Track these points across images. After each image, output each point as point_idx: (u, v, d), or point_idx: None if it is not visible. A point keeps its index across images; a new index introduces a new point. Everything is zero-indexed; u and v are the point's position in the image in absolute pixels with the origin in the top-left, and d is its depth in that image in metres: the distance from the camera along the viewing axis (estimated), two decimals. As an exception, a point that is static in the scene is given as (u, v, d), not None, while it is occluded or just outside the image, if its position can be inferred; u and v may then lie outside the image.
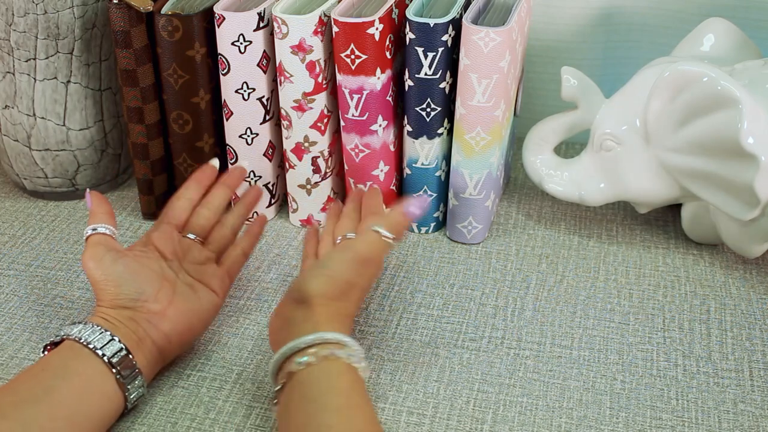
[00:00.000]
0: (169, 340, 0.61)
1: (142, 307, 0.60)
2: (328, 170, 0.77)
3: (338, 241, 0.65)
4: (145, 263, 0.62)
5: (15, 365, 0.63)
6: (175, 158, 0.78)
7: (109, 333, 0.57)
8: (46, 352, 0.58)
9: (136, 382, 0.57)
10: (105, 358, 0.55)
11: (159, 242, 0.64)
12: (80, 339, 0.56)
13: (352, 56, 0.69)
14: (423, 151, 0.74)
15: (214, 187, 0.70)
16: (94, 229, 0.62)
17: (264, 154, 0.77)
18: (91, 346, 0.56)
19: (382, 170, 0.76)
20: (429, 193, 0.76)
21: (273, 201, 0.81)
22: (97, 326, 0.57)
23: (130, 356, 0.57)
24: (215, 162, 0.71)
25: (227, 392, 0.61)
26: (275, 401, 0.55)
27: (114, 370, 0.56)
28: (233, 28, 0.70)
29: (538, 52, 0.89)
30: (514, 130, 0.83)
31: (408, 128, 0.74)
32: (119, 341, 0.57)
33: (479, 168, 0.73)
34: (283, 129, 0.75)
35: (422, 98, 0.71)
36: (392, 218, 0.62)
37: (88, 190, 0.66)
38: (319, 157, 0.76)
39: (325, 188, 0.78)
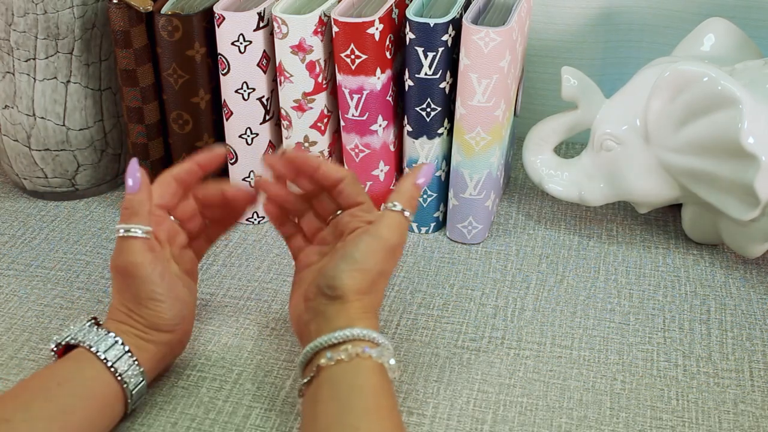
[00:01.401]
0: (184, 346, 0.62)
1: (180, 330, 0.59)
2: (328, 170, 0.77)
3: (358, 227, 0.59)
4: (172, 273, 0.59)
5: (15, 365, 0.63)
6: (175, 158, 0.78)
7: (127, 348, 0.55)
8: (56, 349, 0.56)
9: (141, 398, 0.58)
10: (123, 383, 0.55)
11: (162, 233, 0.61)
12: (98, 353, 0.54)
13: (352, 56, 0.69)
14: (423, 151, 0.74)
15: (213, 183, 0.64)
16: (128, 231, 0.56)
17: (264, 154, 0.77)
18: (109, 364, 0.54)
19: (382, 170, 0.76)
20: (429, 193, 0.76)
21: (273, 201, 0.81)
22: (117, 341, 0.55)
23: (143, 379, 0.56)
24: (221, 150, 0.63)
25: (227, 392, 0.61)
26: (301, 394, 0.54)
27: (127, 392, 0.55)
28: (233, 28, 0.70)
29: (538, 52, 0.89)
30: (514, 130, 0.83)
31: (408, 128, 0.74)
32: (138, 364, 0.56)
33: (479, 168, 0.73)
34: (283, 129, 0.75)
35: (422, 98, 0.71)
36: (407, 193, 0.59)
37: (135, 160, 0.58)
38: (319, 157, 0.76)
39: (325, 188, 0.78)
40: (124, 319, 0.57)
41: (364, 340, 0.53)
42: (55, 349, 0.57)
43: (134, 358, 0.55)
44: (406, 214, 0.58)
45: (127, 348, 0.55)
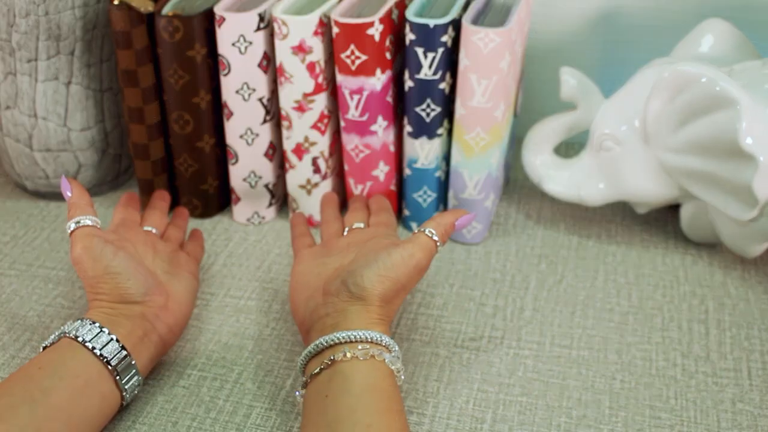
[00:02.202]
0: (173, 331, 0.61)
1: (151, 301, 0.60)
2: (328, 170, 0.77)
3: (372, 239, 0.63)
4: (135, 254, 0.63)
5: (16, 365, 0.63)
6: (175, 159, 0.78)
7: (106, 331, 0.56)
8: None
9: (133, 380, 0.57)
10: (103, 359, 0.55)
11: (130, 233, 0.65)
12: (77, 337, 0.55)
13: (352, 57, 0.69)
14: (423, 152, 0.74)
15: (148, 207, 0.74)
16: (77, 222, 0.61)
17: (264, 155, 0.77)
18: (88, 345, 0.55)
19: (382, 170, 0.76)
20: (429, 193, 0.77)
21: (273, 201, 0.81)
22: (95, 323, 0.56)
23: (127, 354, 0.56)
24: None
25: (228, 392, 0.61)
26: (305, 385, 0.54)
27: (110, 368, 0.55)
28: (234, 29, 0.71)
29: (538, 52, 0.89)
30: (514, 130, 0.83)
31: (408, 128, 0.74)
32: (116, 340, 0.56)
33: (479, 168, 0.73)
34: (283, 129, 0.76)
35: (422, 99, 0.72)
36: (444, 227, 0.61)
37: (63, 176, 0.65)
38: (319, 157, 0.76)
39: (325, 188, 0.78)
40: (95, 305, 0.59)
41: (380, 344, 0.55)
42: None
43: (112, 336, 0.56)
44: (439, 242, 0.60)
45: (98, 325, 0.56)
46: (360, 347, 0.54)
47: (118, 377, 0.56)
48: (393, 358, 0.55)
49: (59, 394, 0.53)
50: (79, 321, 0.57)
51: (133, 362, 0.57)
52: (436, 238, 0.60)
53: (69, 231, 0.61)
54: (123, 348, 0.56)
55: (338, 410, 0.51)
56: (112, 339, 0.56)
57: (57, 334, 0.57)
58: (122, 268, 0.60)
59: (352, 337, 0.54)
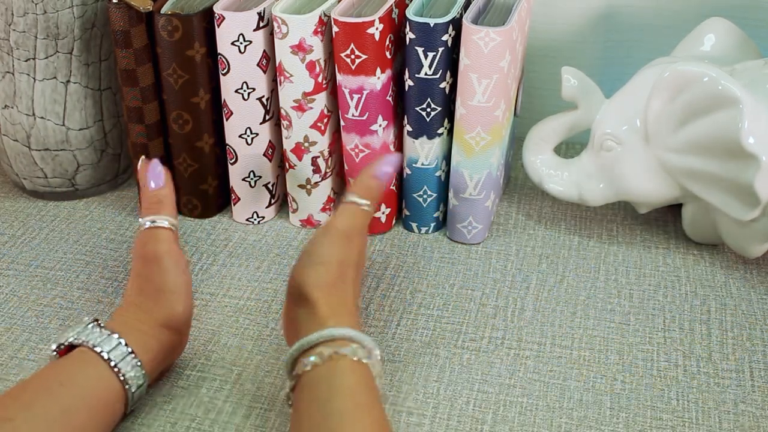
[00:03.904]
0: (174, 360, 0.61)
1: (183, 331, 0.60)
2: (328, 170, 0.77)
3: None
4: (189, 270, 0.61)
5: (15, 365, 0.63)
6: (175, 158, 0.78)
7: (137, 360, 0.55)
8: (58, 350, 0.55)
9: (137, 401, 0.57)
10: (125, 384, 0.54)
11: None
12: (110, 360, 0.54)
13: (352, 56, 0.69)
14: (423, 151, 0.74)
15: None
16: (153, 222, 0.59)
17: (264, 154, 0.77)
18: (115, 369, 0.54)
19: (382, 170, 0.76)
20: (429, 193, 0.76)
21: (273, 201, 0.81)
22: (128, 347, 0.55)
23: (144, 382, 0.56)
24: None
25: (227, 392, 0.61)
26: (290, 403, 0.54)
27: (130, 393, 0.55)
28: (233, 28, 0.70)
29: (538, 52, 0.89)
30: (514, 130, 0.83)
31: (408, 128, 0.74)
32: (141, 366, 0.55)
33: (479, 168, 0.73)
34: (283, 129, 0.75)
35: (422, 98, 0.71)
36: (361, 184, 0.61)
37: (157, 161, 0.63)
38: (319, 157, 0.76)
39: (325, 188, 0.78)
40: (133, 313, 0.58)
41: (336, 339, 0.52)
42: (56, 350, 0.56)
43: (137, 360, 0.55)
44: (361, 203, 0.59)
45: (130, 349, 0.55)
46: (317, 351, 0.52)
47: (130, 401, 0.56)
48: (355, 349, 0.52)
49: (79, 414, 0.52)
50: (107, 333, 0.55)
51: (146, 386, 0.57)
52: (354, 199, 0.59)
53: (152, 226, 0.59)
54: (144, 375, 0.56)
55: (310, 422, 0.50)
56: (137, 365, 0.55)
57: (77, 337, 0.55)
58: (182, 289, 0.58)
59: (306, 344, 0.52)
